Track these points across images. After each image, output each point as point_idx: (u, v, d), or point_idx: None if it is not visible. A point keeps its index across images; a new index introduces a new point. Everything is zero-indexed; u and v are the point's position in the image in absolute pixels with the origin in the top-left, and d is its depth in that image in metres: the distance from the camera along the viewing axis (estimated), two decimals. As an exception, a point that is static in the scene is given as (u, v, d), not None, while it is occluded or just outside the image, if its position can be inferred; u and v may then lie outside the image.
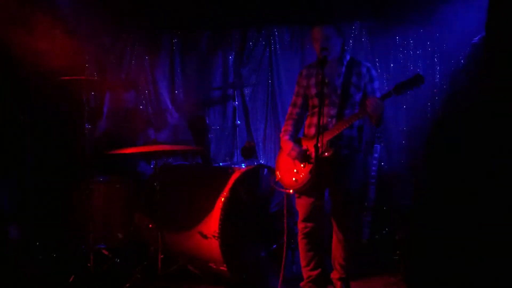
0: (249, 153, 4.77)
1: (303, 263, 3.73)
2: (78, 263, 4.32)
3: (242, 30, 5.61)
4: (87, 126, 4.24)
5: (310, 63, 3.90)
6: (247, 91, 5.59)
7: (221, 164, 4.92)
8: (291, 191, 3.64)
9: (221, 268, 4.00)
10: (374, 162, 4.81)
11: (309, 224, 3.64)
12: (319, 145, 3.20)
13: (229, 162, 5.19)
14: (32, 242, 4.55)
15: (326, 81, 3.52)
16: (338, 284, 3.73)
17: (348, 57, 3.67)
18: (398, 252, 4.27)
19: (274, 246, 4.29)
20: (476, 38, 4.81)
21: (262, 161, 5.36)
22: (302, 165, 3.58)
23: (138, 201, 4.60)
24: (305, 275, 3.72)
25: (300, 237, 3.70)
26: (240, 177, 4.13)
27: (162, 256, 4.19)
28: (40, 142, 4.83)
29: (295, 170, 3.62)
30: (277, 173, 3.76)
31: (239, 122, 5.22)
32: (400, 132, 5.32)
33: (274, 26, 5.57)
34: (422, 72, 5.31)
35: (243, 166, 4.35)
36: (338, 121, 3.53)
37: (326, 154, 3.47)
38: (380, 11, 5.19)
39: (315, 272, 3.68)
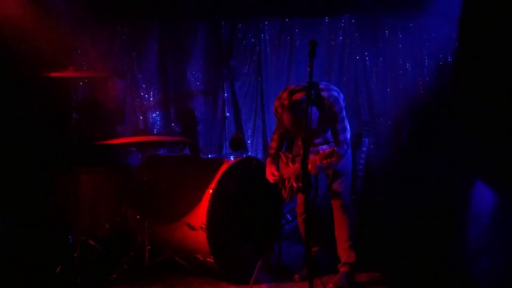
0: (238, 145, 4.77)
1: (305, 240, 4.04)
2: (64, 253, 4.31)
3: (232, 22, 5.59)
4: (74, 116, 4.22)
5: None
6: (236, 83, 5.58)
7: (209, 156, 4.92)
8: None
9: (208, 259, 4.01)
10: (362, 155, 4.82)
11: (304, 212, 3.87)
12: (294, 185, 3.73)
13: (218, 154, 5.19)
14: (18, 233, 4.53)
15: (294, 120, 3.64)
16: (342, 269, 3.91)
17: (313, 93, 3.60)
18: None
19: (262, 238, 4.30)
20: None
21: (250, 153, 5.37)
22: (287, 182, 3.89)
23: (126, 192, 4.59)
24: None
25: (299, 221, 4.13)
26: (228, 169, 4.13)
27: (149, 247, 4.20)
28: (27, 133, 4.79)
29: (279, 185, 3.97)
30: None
31: (228, 114, 5.21)
32: (387, 125, 5.35)
33: (264, 18, 5.56)
34: (411, 67, 5.37)
35: (232, 158, 4.35)
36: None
37: (298, 184, 3.75)
38: (370, 4, 5.20)
39: (314, 249, 4.01)
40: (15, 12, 4.40)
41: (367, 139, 4.84)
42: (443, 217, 3.90)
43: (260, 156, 5.49)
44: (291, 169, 3.82)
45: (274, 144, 4.04)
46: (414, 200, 4.56)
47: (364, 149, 4.82)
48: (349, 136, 3.80)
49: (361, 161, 4.83)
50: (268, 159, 4.00)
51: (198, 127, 5.42)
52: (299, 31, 5.50)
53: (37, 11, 4.49)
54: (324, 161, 3.41)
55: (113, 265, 4.24)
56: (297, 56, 5.50)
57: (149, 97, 5.55)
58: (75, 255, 4.15)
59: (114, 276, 4.13)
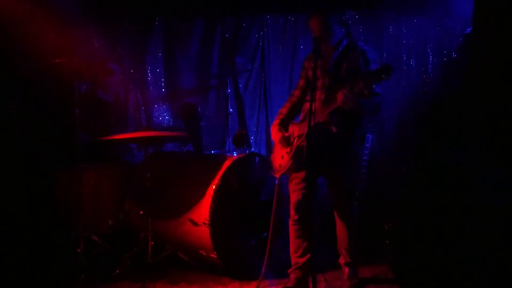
0: (241, 141, 4.76)
1: (292, 249, 3.76)
2: (68, 249, 4.31)
3: (236, 18, 5.58)
4: (78, 112, 4.21)
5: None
6: (240, 79, 5.58)
7: (212, 152, 4.91)
8: (277, 175, 3.73)
9: (211, 255, 4.01)
10: (366, 152, 4.82)
11: (298, 211, 3.66)
12: (300, 133, 3.35)
13: (221, 150, 5.18)
14: (21, 229, 4.53)
15: (319, 67, 3.52)
16: (346, 269, 3.82)
17: (345, 43, 3.64)
18: (386, 241, 4.29)
19: (265, 234, 4.30)
20: (469, 29, 4.81)
21: (254, 149, 5.35)
22: (287, 150, 3.64)
23: (129, 188, 4.59)
24: (293, 261, 3.76)
25: (290, 223, 3.75)
26: (231, 165, 4.12)
27: (152, 243, 4.20)
28: (30, 129, 4.80)
29: (281, 156, 3.69)
30: (271, 157, 3.83)
31: (231, 110, 5.20)
32: (391, 122, 5.33)
33: (268, 14, 5.54)
34: (415, 63, 5.34)
35: (235, 154, 4.34)
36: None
37: (302, 143, 3.49)
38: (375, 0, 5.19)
39: (302, 259, 3.70)
40: (17, 7, 4.40)
41: (370, 136, 4.83)
42: (452, 215, 3.85)
43: (263, 152, 5.49)
44: (303, 126, 3.55)
45: (284, 110, 3.82)
46: (420, 197, 4.53)
47: (368, 145, 4.81)
48: (380, 92, 3.50)
49: (365, 158, 4.82)
50: (275, 121, 3.79)
51: (201, 123, 5.41)
52: (303, 27, 5.48)
53: (40, 6, 4.48)
54: (356, 88, 3.24)
55: (116, 261, 4.25)
56: (301, 52, 5.48)
57: (153, 93, 5.55)
58: (78, 250, 4.16)
59: (117, 272, 4.13)
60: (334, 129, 3.54)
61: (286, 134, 3.70)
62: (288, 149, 3.64)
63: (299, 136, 3.58)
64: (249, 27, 5.57)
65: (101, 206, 4.50)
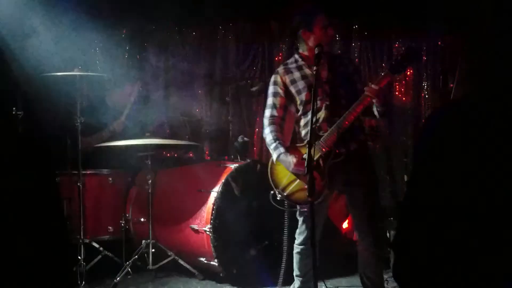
0: (242, 148, 4.75)
1: (296, 272, 3.37)
2: (68, 256, 4.30)
3: (237, 27, 5.62)
4: (80, 119, 4.22)
5: (286, 61, 3.46)
6: (241, 85, 5.58)
7: (214, 159, 4.91)
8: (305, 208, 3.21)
9: (212, 262, 4.00)
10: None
11: (307, 235, 3.24)
12: (326, 149, 3.02)
13: (222, 158, 5.17)
14: (21, 236, 4.52)
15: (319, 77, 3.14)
16: None
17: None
18: (389, 249, 4.28)
19: (266, 242, 4.28)
20: None
21: (255, 157, 5.35)
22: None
23: (130, 194, 4.59)
24: (296, 284, 3.41)
25: (297, 247, 3.35)
26: (232, 173, 4.12)
27: (153, 250, 4.19)
28: (31, 135, 4.79)
29: (304, 185, 3.00)
30: (278, 191, 3.20)
31: (232, 117, 5.21)
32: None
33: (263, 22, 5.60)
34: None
35: (236, 162, 4.34)
36: (332, 114, 3.16)
37: (338, 158, 3.10)
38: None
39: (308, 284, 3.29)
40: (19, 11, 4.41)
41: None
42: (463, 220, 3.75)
43: (264, 159, 5.48)
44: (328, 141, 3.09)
45: (278, 135, 3.21)
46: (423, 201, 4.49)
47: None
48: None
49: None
50: (282, 150, 3.15)
51: (202, 130, 5.41)
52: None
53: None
54: (382, 83, 3.01)
55: (117, 268, 4.24)
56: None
57: (155, 99, 5.55)
58: (79, 257, 4.16)
59: (118, 278, 4.12)
60: (363, 136, 3.29)
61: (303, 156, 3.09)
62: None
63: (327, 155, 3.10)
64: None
65: (102, 213, 4.50)
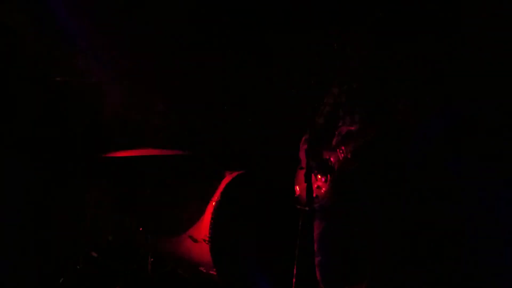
0: (243, 157, 4.75)
1: None
2: (67, 265, 4.29)
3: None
4: (82, 127, 4.23)
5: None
6: (243, 92, 5.57)
7: (214, 168, 4.89)
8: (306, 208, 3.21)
9: (211, 272, 3.98)
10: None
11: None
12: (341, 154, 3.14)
13: (222, 166, 5.15)
14: (21, 243, 4.51)
15: None
16: None
17: None
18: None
19: (266, 252, 4.26)
20: None
21: (255, 166, 5.33)
22: (324, 179, 3.25)
23: (129, 203, 4.58)
24: None
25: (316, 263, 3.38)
26: (231, 182, 4.11)
27: (152, 260, 4.17)
28: (31, 142, 4.79)
29: (316, 186, 3.23)
30: (296, 188, 3.36)
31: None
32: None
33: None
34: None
35: (236, 171, 4.33)
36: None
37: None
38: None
39: None
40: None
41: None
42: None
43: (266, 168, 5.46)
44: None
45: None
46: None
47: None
48: None
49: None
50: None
51: (203, 138, 5.39)
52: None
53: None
54: None
55: (116, 277, 4.22)
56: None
57: (157, 107, 5.55)
58: (78, 266, 4.13)
59: (117, 288, 4.11)
60: None
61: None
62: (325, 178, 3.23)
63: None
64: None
65: (101, 222, 4.49)
